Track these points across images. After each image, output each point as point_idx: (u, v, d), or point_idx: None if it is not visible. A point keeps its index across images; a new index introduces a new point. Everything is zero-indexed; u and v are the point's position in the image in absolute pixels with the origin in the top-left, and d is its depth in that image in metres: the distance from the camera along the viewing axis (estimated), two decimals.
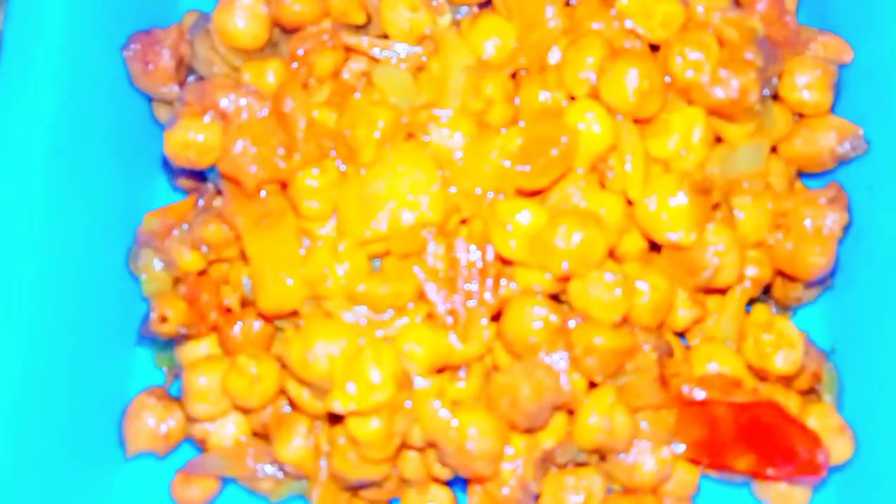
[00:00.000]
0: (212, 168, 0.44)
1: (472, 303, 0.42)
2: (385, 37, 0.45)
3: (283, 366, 0.43)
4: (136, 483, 0.47)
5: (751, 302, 0.46)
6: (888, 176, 0.45)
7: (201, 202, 0.46)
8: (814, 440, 0.43)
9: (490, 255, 0.42)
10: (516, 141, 0.42)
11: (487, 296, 0.42)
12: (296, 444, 0.43)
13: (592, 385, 0.43)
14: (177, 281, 0.46)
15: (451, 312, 0.41)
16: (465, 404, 0.42)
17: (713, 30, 0.44)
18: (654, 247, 0.44)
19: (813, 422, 0.44)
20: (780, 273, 0.46)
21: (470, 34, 0.44)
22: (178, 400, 0.46)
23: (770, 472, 0.43)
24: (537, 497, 0.43)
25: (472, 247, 0.42)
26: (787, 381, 0.45)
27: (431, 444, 0.41)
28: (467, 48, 0.44)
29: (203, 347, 0.46)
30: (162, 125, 0.49)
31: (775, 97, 0.46)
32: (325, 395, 0.41)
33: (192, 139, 0.43)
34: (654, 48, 0.44)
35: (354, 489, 0.44)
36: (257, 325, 0.44)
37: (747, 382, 0.44)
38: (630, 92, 0.42)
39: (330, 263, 0.42)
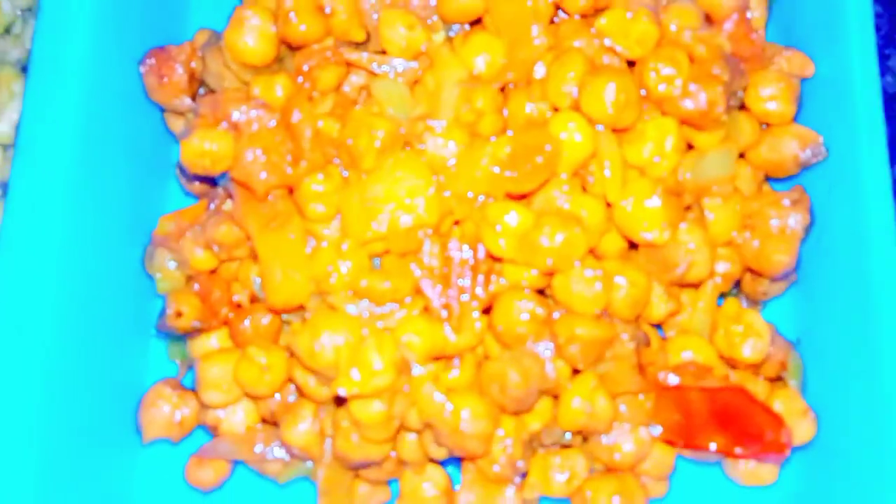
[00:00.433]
0: (223, 174, 0.44)
1: (464, 297, 0.42)
2: (383, 53, 0.45)
3: (292, 355, 0.43)
4: (152, 467, 0.47)
5: (722, 296, 0.47)
6: (846, 179, 0.45)
7: (212, 206, 0.46)
8: (778, 422, 0.43)
9: (481, 254, 0.42)
10: (505, 149, 0.42)
11: (479, 291, 0.42)
12: (302, 428, 0.43)
13: (576, 372, 0.43)
14: (189, 279, 0.46)
15: (446, 306, 0.42)
16: (459, 390, 0.42)
17: (685, 47, 0.44)
18: (632, 245, 0.44)
19: (779, 405, 0.45)
20: (749, 269, 0.46)
21: (462, 50, 0.44)
22: (190, 390, 0.46)
23: (738, 451, 0.43)
24: (525, 475, 0.44)
25: (465, 246, 0.42)
26: (755, 368, 0.45)
27: (428, 426, 0.42)
28: (460, 63, 0.44)
29: (214, 341, 0.46)
30: (174, 134, 0.50)
31: (742, 108, 0.46)
32: (330, 382, 0.41)
33: (207, 148, 0.43)
34: (631, 64, 0.44)
35: (356, 469, 0.44)
36: (265, 319, 0.44)
37: (718, 370, 0.44)
38: (608, 104, 0.42)
39: (334, 261, 0.42)
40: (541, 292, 0.43)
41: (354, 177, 0.43)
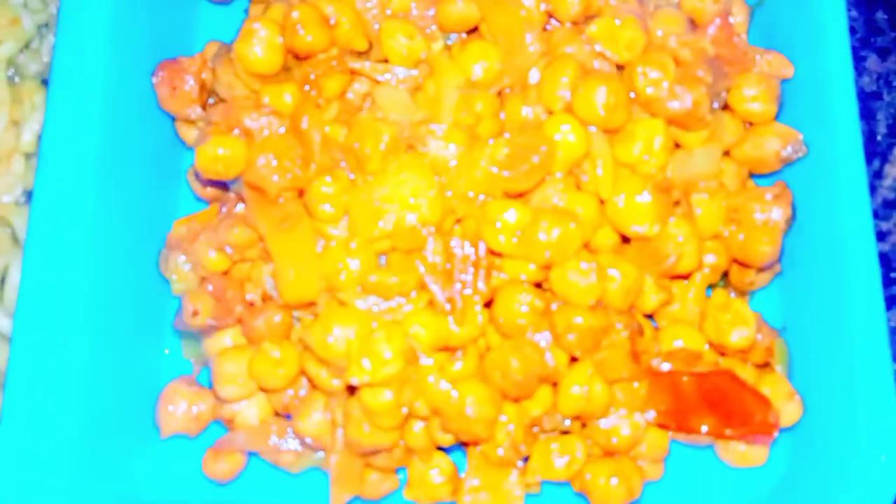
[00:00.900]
0: (235, 179, 0.44)
1: (467, 291, 0.42)
2: (385, 61, 0.45)
3: (304, 349, 0.43)
4: (170, 460, 0.47)
5: (711, 287, 0.47)
6: (825, 175, 0.46)
7: (224, 209, 0.46)
8: (766, 404, 0.44)
9: (482, 250, 0.43)
10: (503, 150, 0.43)
11: (480, 285, 0.43)
12: (314, 418, 0.44)
13: (573, 360, 0.43)
14: (203, 280, 0.46)
15: (450, 300, 0.42)
16: (463, 377, 0.42)
17: (671, 51, 0.45)
18: (624, 239, 0.44)
19: (766, 389, 0.45)
20: (735, 260, 0.46)
21: (460, 58, 0.44)
22: (205, 387, 0.47)
23: (729, 432, 0.44)
24: (527, 459, 0.44)
25: (466, 243, 0.43)
26: (743, 354, 0.45)
27: (435, 413, 0.42)
28: (458, 70, 0.44)
29: (228, 339, 0.46)
30: (184, 142, 0.50)
31: (726, 108, 0.47)
32: (342, 372, 0.42)
33: (221, 154, 0.43)
34: (620, 68, 0.45)
35: (367, 456, 0.44)
36: (277, 316, 0.45)
37: (708, 356, 0.44)
38: (600, 106, 0.43)
39: (343, 259, 0.42)
40: (539, 285, 0.43)
41: (361, 179, 0.43)
